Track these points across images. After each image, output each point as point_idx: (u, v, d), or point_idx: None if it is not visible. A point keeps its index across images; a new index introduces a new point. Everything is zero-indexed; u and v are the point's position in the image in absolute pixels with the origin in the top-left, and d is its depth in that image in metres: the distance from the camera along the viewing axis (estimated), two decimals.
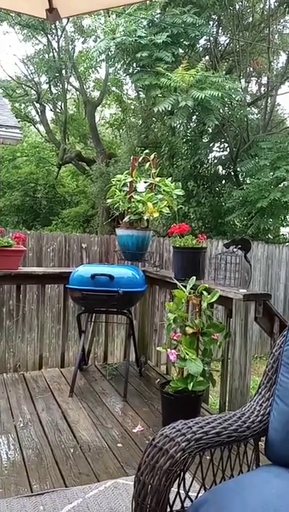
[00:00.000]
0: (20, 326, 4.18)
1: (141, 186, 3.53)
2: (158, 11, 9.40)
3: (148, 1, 8.34)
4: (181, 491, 1.21)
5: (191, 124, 10.22)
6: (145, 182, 3.55)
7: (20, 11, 2.11)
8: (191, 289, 2.70)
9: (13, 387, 3.19)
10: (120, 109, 15.12)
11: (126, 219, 3.53)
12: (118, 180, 3.67)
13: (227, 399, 2.90)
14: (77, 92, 16.16)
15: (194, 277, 2.74)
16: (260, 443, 1.45)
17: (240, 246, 2.92)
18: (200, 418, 1.28)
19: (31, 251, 5.27)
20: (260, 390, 1.50)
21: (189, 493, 1.25)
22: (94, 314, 3.76)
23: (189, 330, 2.59)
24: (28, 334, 5.11)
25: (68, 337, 5.01)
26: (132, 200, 3.50)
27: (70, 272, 3.27)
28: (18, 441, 2.43)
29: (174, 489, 1.16)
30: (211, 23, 10.01)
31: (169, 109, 8.22)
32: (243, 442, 1.35)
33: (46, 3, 1.86)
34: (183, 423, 1.21)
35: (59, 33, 14.41)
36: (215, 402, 4.19)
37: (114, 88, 14.87)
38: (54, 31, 14.40)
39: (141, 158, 3.68)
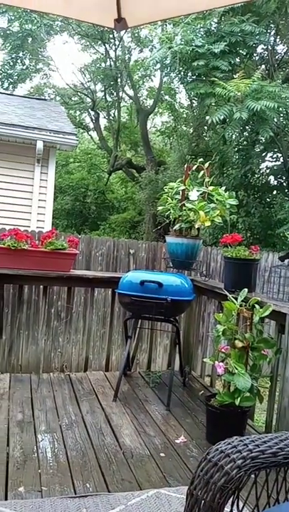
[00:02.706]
0: (67, 327, 4.27)
1: (193, 195, 3.51)
2: (215, 20, 9.39)
3: (207, 11, 8.34)
4: (234, 511, 1.17)
5: (244, 134, 10.08)
6: (198, 191, 3.53)
7: (90, 21, 2.17)
8: (242, 301, 2.64)
9: (59, 387, 3.25)
10: (172, 117, 15.21)
11: (176, 227, 3.52)
12: (171, 188, 3.68)
13: (274, 417, 2.80)
14: (131, 100, 16.44)
15: (246, 289, 2.68)
16: None
17: None
18: (255, 436, 1.23)
19: (81, 254, 5.38)
20: None
21: None
22: (140, 320, 3.77)
23: (239, 343, 2.53)
24: (74, 336, 5.21)
25: (112, 341, 5.05)
26: (184, 208, 3.49)
27: (119, 277, 3.30)
28: (63, 441, 2.47)
29: (226, 509, 1.13)
30: (268, 31, 9.86)
31: (221, 118, 8.16)
32: None
33: (115, 13, 1.90)
34: (238, 439, 1.17)
35: (116, 42, 14.75)
36: (258, 418, 4.06)
37: (167, 97, 15.00)
38: (112, 41, 14.77)
39: (195, 166, 3.67)
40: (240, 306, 2.61)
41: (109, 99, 16.22)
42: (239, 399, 2.45)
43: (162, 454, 2.44)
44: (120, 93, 15.75)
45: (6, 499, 1.93)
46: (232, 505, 1.14)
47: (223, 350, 2.60)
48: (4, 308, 4.12)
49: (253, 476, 1.18)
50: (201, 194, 3.49)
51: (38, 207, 7.00)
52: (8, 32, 15.29)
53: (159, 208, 3.71)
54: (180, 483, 2.16)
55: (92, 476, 2.17)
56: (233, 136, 9.87)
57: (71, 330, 5.10)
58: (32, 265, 3.28)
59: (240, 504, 1.17)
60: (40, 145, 6.74)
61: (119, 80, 15.16)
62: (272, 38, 10.20)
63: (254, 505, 1.25)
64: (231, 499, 1.12)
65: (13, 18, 14.85)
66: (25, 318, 5.10)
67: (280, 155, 9.91)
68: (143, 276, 3.22)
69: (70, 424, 2.68)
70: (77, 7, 1.99)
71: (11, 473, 2.12)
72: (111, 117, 16.77)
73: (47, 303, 4.30)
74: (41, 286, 4.25)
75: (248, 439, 1.20)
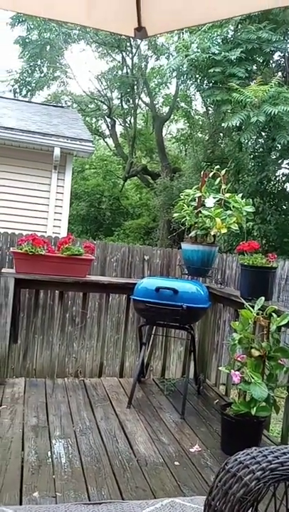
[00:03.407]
0: (82, 332, 4.29)
1: (210, 201, 3.50)
2: (231, 27, 9.42)
3: (224, 19, 8.36)
4: None
5: (260, 140, 10.04)
6: (214, 197, 3.52)
7: (110, 30, 2.20)
8: (259, 309, 2.61)
9: (74, 392, 3.26)
10: (188, 124, 15.25)
11: (192, 234, 3.51)
12: (187, 195, 3.68)
13: None
14: (147, 107, 16.55)
15: (263, 298, 2.65)
16: None
17: None
18: (274, 447, 1.21)
19: (96, 260, 5.40)
20: None
21: None
22: (154, 327, 3.76)
23: (255, 352, 2.50)
24: (88, 341, 5.22)
25: (126, 347, 5.05)
26: (200, 215, 3.48)
27: (135, 283, 3.31)
28: (77, 447, 2.47)
29: None
30: (286, 38, 9.83)
31: (237, 124, 8.15)
32: None
33: (135, 22, 1.92)
34: (257, 450, 1.16)
35: (133, 50, 14.90)
36: (273, 429, 4.00)
37: (182, 104, 15.06)
38: (129, 49, 14.92)
39: (212, 173, 3.66)
40: (257, 314, 2.58)
41: (125, 106, 16.36)
42: (255, 408, 2.42)
43: (177, 463, 2.42)
44: (136, 100, 15.87)
45: (20, 504, 1.93)
46: None
47: (239, 358, 2.57)
48: (20, 312, 4.16)
49: (271, 488, 1.16)
50: (217, 201, 3.48)
51: (55, 213, 7.07)
52: (27, 40, 15.57)
53: (175, 214, 3.71)
54: (195, 493, 2.13)
55: (106, 482, 2.16)
56: (249, 143, 9.84)
57: (85, 335, 5.12)
58: (49, 270, 3.31)
59: None
60: (57, 152, 6.82)
61: (135, 87, 15.29)
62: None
63: None
64: (250, 511, 1.10)
65: (32, 26, 15.14)
66: (40, 323, 5.14)
67: None
68: (158, 282, 3.22)
69: (85, 430, 2.68)
70: (98, 17, 2.01)
71: (25, 477, 2.12)
72: (127, 124, 16.89)
73: (62, 308, 4.33)
74: (57, 292, 4.28)
75: (266, 449, 1.19)
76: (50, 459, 2.31)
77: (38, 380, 3.49)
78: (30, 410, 2.87)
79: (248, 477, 1.06)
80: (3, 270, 3.56)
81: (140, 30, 1.94)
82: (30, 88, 16.39)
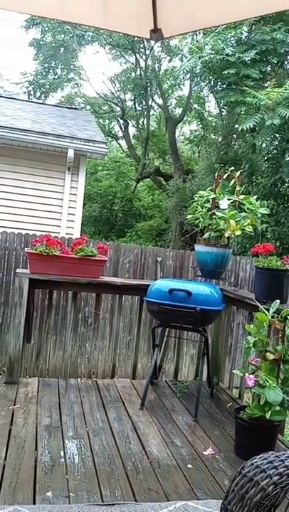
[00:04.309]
0: (94, 333, 4.30)
1: (224, 203, 3.48)
2: (245, 28, 9.38)
3: (238, 21, 8.33)
4: None
5: (274, 142, 9.97)
6: (228, 199, 3.49)
7: (126, 32, 2.21)
8: (274, 312, 2.58)
9: (87, 393, 3.26)
10: (201, 125, 15.21)
11: (206, 235, 3.50)
12: (200, 197, 3.66)
13: None
14: (160, 109, 16.56)
15: (278, 300, 2.62)
16: None
17: None
18: None
19: (109, 261, 5.41)
20: None
21: None
22: (167, 329, 3.75)
23: (270, 356, 2.47)
24: (100, 342, 5.23)
25: (138, 348, 5.05)
26: (214, 217, 3.46)
27: (148, 285, 3.30)
28: (90, 447, 2.47)
29: None
30: None
31: (251, 126, 8.10)
32: None
33: (151, 23, 1.92)
34: (274, 455, 1.14)
35: (147, 52, 14.93)
36: (287, 433, 3.95)
37: (196, 105, 15.03)
38: (142, 50, 14.95)
39: (226, 175, 3.64)
40: (272, 317, 2.56)
41: (138, 108, 16.40)
42: (270, 412, 2.39)
43: (190, 466, 2.40)
44: (149, 102, 15.91)
45: (34, 503, 1.94)
46: None
47: (253, 362, 2.55)
48: (33, 312, 4.19)
49: (288, 495, 1.15)
50: (231, 203, 3.46)
51: (68, 214, 7.11)
52: (41, 43, 15.72)
53: (189, 216, 3.70)
54: (208, 497, 2.12)
55: (119, 484, 2.16)
56: (263, 145, 9.77)
57: (98, 336, 5.13)
58: (62, 271, 3.33)
59: None
60: (71, 153, 6.86)
61: (148, 89, 15.32)
62: None
63: None
64: None
65: (46, 29, 15.28)
66: (54, 323, 5.16)
67: None
68: (172, 284, 3.21)
69: (98, 431, 2.68)
70: (114, 19, 2.02)
71: (39, 477, 2.13)
72: (140, 126, 16.93)
73: (75, 308, 4.34)
74: (70, 292, 4.30)
75: (283, 454, 1.17)
76: (63, 459, 2.31)
77: (51, 380, 3.51)
78: (43, 410, 2.88)
79: (265, 482, 1.05)
80: (17, 270, 3.59)
81: (156, 32, 1.95)
82: (44, 90, 16.54)
